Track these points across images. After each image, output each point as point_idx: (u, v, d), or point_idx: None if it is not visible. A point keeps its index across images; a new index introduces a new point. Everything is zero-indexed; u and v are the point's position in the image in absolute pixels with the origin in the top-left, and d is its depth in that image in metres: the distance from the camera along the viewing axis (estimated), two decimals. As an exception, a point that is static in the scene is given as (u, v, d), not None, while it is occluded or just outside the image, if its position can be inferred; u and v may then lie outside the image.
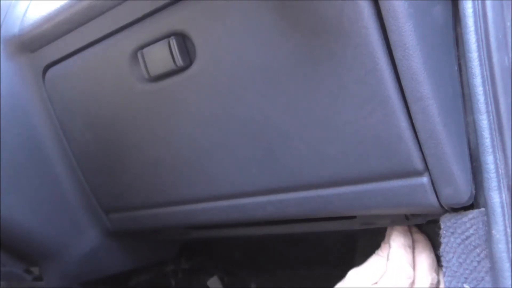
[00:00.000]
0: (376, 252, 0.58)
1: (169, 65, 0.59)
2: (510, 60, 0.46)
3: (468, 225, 0.49)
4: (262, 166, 0.58)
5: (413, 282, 0.54)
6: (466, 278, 0.49)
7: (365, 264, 0.57)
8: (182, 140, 0.63)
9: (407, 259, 0.55)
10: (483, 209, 0.48)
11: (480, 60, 0.46)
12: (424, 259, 0.56)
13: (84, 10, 0.65)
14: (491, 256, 0.47)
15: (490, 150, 0.46)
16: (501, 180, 0.46)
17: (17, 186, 0.74)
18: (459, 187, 0.47)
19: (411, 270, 0.54)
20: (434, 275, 0.55)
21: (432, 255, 0.56)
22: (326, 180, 0.54)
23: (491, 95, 0.46)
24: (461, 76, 0.48)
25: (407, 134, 0.47)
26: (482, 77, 0.46)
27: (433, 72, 0.45)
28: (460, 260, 0.49)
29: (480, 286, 0.48)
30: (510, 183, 0.46)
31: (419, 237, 0.58)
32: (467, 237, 0.49)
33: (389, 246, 0.56)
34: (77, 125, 0.74)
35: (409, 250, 0.56)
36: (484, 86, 0.46)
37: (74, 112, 0.73)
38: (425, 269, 0.55)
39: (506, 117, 0.46)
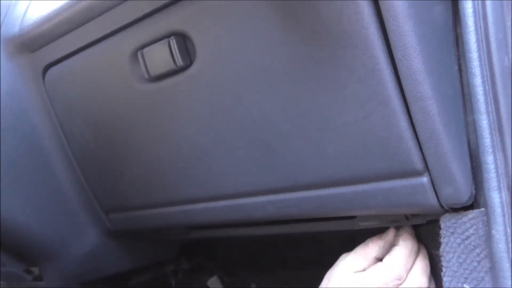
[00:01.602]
0: (366, 241, 0.58)
1: (169, 65, 0.59)
2: (510, 60, 0.46)
3: (468, 225, 0.49)
4: (262, 166, 0.58)
5: (405, 283, 0.54)
6: (466, 278, 0.49)
7: (355, 251, 0.58)
8: (182, 140, 0.63)
9: (405, 263, 0.55)
10: (483, 209, 0.48)
11: (480, 60, 0.46)
12: (417, 262, 0.56)
13: (84, 10, 0.65)
14: (491, 256, 0.47)
15: (490, 150, 0.46)
16: (501, 180, 0.46)
17: (17, 186, 0.74)
18: (459, 187, 0.47)
19: (404, 275, 0.54)
20: (425, 279, 0.55)
21: (426, 261, 0.56)
22: (326, 180, 0.54)
23: (491, 95, 0.46)
24: (461, 76, 0.48)
25: (407, 134, 0.47)
26: (482, 77, 0.46)
27: (433, 72, 0.45)
28: (460, 260, 0.49)
29: (480, 286, 0.48)
30: (510, 183, 0.46)
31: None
32: (467, 237, 0.49)
33: (396, 245, 0.56)
34: (77, 125, 0.74)
35: (413, 256, 0.56)
36: (484, 86, 0.46)
37: (74, 112, 0.73)
38: (416, 272, 0.55)
39: (506, 117, 0.46)
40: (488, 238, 0.47)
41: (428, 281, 0.55)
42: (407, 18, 0.43)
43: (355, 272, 0.56)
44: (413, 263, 0.56)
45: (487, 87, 0.46)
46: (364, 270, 0.56)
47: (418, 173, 0.48)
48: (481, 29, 0.46)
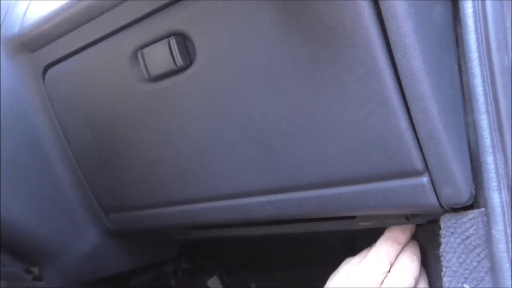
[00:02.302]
0: (372, 246, 0.58)
1: (169, 65, 0.59)
2: (510, 60, 0.46)
3: (468, 225, 0.49)
4: (262, 166, 0.58)
5: (387, 277, 0.54)
6: (466, 278, 0.49)
7: (357, 256, 0.58)
8: (182, 140, 0.63)
9: (388, 252, 0.55)
10: (483, 209, 0.48)
11: (480, 60, 0.46)
12: (405, 259, 0.55)
13: (84, 10, 0.65)
14: (491, 256, 0.47)
15: (490, 150, 0.46)
16: (501, 180, 0.46)
17: (17, 186, 0.74)
18: (459, 187, 0.47)
19: (388, 263, 0.54)
20: (410, 277, 0.54)
21: (415, 257, 0.55)
22: (326, 180, 0.54)
23: (491, 95, 0.46)
24: (461, 76, 0.48)
25: (407, 134, 0.47)
26: (482, 77, 0.46)
27: (433, 72, 0.45)
28: (460, 260, 0.49)
29: (480, 286, 0.48)
30: (510, 183, 0.46)
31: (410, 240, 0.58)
32: (467, 237, 0.49)
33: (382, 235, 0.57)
34: (77, 125, 0.74)
35: (397, 246, 0.56)
36: (484, 86, 0.46)
37: (74, 112, 0.73)
38: (402, 268, 0.54)
39: (506, 117, 0.46)
40: (488, 238, 0.47)
41: (414, 281, 0.54)
42: (407, 18, 0.43)
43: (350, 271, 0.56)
44: (399, 253, 0.55)
45: (487, 87, 0.46)
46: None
47: (418, 173, 0.48)
48: (481, 29, 0.46)
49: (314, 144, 0.53)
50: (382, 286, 0.53)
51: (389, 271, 0.54)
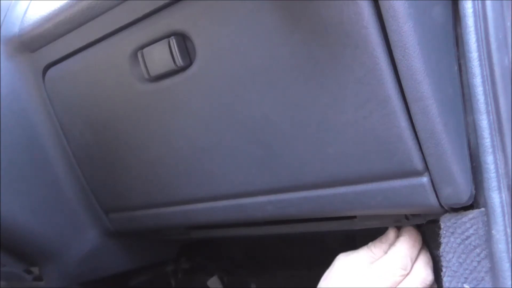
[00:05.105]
0: (369, 244, 0.58)
1: (169, 65, 0.59)
2: (510, 60, 0.46)
3: (468, 225, 0.49)
4: (262, 166, 0.58)
5: (407, 275, 0.54)
6: (466, 278, 0.49)
7: (355, 252, 0.58)
8: (182, 140, 0.63)
9: (410, 253, 0.55)
10: (483, 209, 0.48)
11: (480, 60, 0.46)
12: (421, 254, 0.56)
13: (84, 10, 0.65)
14: (491, 256, 0.47)
15: (490, 150, 0.46)
16: (501, 180, 0.46)
17: (17, 186, 0.74)
18: (459, 187, 0.47)
19: (410, 265, 0.54)
20: (429, 271, 0.55)
21: (428, 254, 0.56)
22: (326, 180, 0.54)
23: (491, 95, 0.46)
24: (461, 76, 0.48)
25: (407, 134, 0.47)
26: (482, 77, 0.46)
27: (433, 72, 0.45)
28: (460, 260, 0.49)
29: (480, 286, 0.48)
30: (510, 183, 0.46)
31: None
32: (467, 237, 0.49)
33: (399, 235, 0.57)
34: (77, 125, 0.74)
35: (417, 248, 0.56)
36: (484, 86, 0.46)
37: (74, 112, 0.73)
38: (421, 264, 0.55)
39: (506, 117, 0.46)
40: (488, 238, 0.47)
41: (432, 273, 0.55)
42: (407, 18, 0.43)
43: (359, 269, 0.56)
44: (418, 255, 0.56)
45: (487, 87, 0.46)
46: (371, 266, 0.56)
47: (418, 173, 0.48)
48: (481, 29, 0.46)
49: (314, 144, 0.53)
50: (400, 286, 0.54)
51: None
